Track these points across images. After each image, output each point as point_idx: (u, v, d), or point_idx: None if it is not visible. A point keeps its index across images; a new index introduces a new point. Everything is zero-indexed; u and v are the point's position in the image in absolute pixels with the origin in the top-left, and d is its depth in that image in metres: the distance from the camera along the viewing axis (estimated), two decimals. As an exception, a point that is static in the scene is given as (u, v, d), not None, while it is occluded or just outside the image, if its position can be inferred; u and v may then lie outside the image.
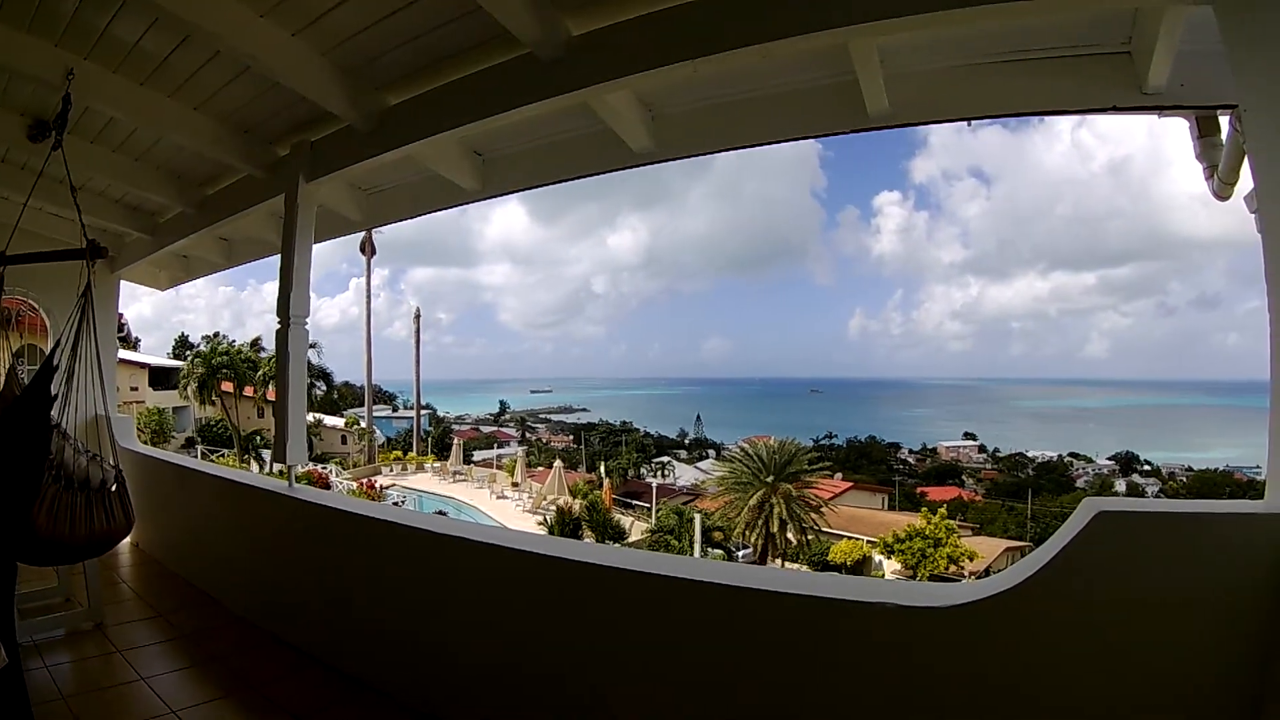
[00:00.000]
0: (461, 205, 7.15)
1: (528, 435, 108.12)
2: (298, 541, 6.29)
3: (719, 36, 4.36)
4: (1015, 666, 3.21)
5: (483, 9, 4.46)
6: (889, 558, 44.58)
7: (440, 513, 37.12)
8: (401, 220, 8.28)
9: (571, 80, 4.87)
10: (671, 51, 4.50)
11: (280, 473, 6.88)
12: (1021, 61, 4.80)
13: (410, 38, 5.18)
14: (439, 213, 7.49)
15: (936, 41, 4.83)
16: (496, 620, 4.73)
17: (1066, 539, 3.09)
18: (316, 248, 6.86)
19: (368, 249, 69.61)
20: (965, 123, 5.36)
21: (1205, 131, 5.04)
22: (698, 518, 39.20)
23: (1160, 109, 4.80)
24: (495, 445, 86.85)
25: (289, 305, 6.50)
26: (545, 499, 44.70)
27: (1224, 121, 4.87)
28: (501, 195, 7.03)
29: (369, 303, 71.73)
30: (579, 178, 6.50)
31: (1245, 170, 4.46)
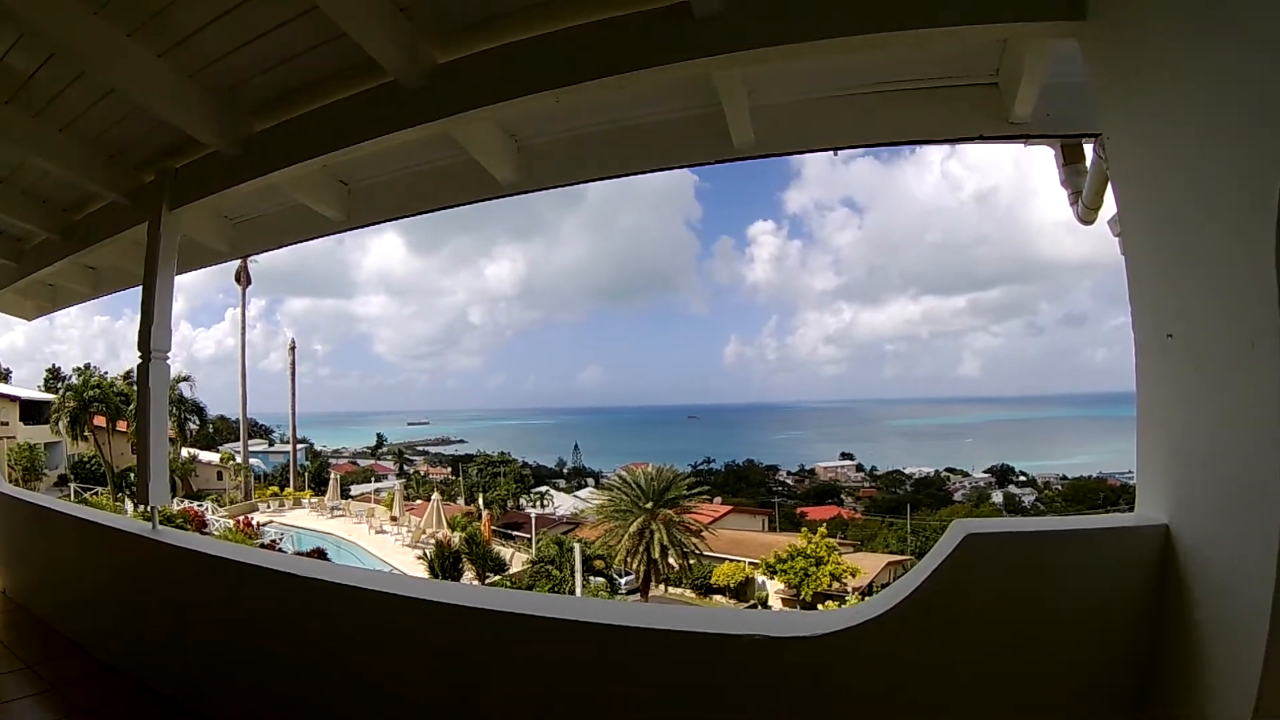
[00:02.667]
0: (327, 236, 7.00)
1: (405, 468, 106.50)
2: (163, 586, 5.99)
3: (580, 67, 4.34)
4: (890, 692, 3.21)
5: (349, 35, 4.39)
6: (772, 578, 45.10)
7: (319, 549, 36.45)
8: (268, 250, 8.10)
9: (435, 109, 4.78)
10: (533, 81, 4.46)
11: (145, 514, 6.61)
12: (889, 92, 4.90)
13: (277, 62, 5.04)
14: (316, 243, 7.37)
15: (803, 72, 4.90)
16: (366, 663, 4.53)
17: (937, 562, 3.11)
18: (191, 277, 6.70)
19: (243, 279, 67.88)
20: (833, 153, 5.46)
21: (1070, 159, 5.23)
22: (578, 547, 39.02)
23: (1026, 138, 4.96)
24: (373, 479, 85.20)
25: (150, 339, 6.21)
26: (424, 533, 44.15)
27: (1088, 149, 5.05)
28: (366, 226, 6.88)
29: (244, 334, 70.02)
30: (444, 209, 6.42)
31: (1109, 195, 4.64)
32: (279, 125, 5.67)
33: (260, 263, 72.48)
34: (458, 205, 6.27)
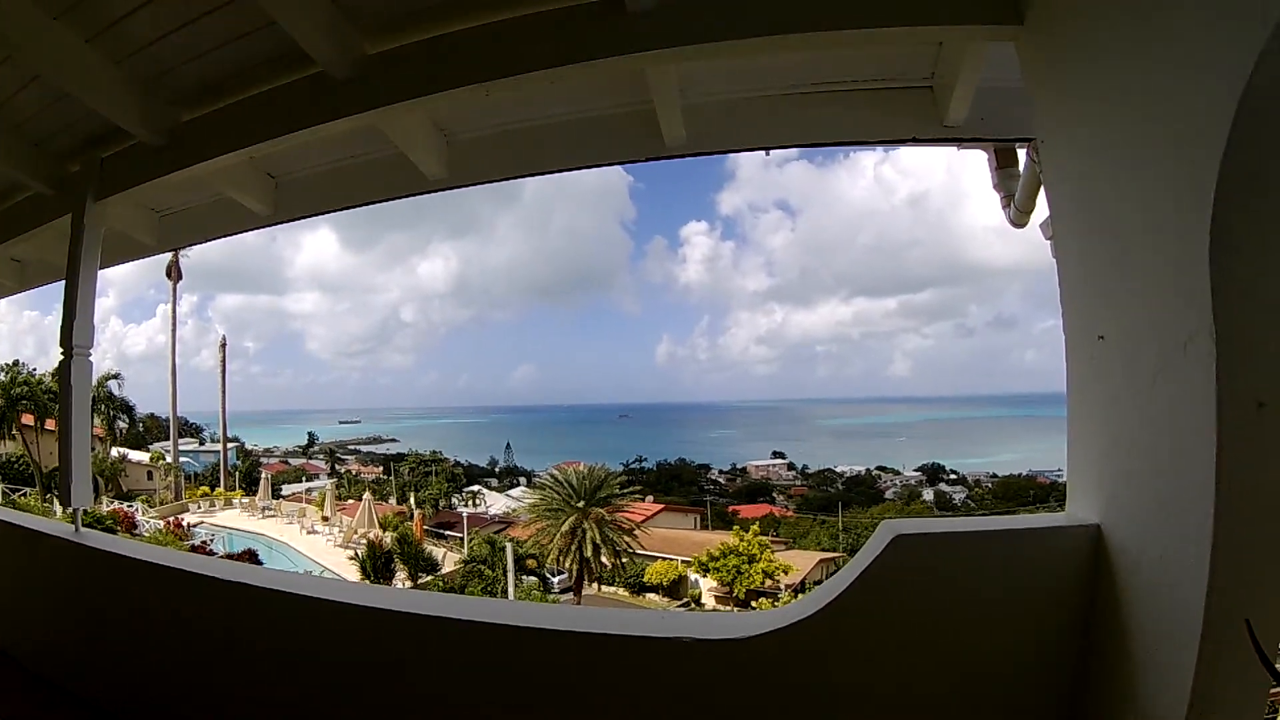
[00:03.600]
0: (254, 230, 6.87)
1: (337, 467, 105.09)
2: (85, 590, 5.83)
3: (511, 60, 4.26)
4: (820, 693, 3.20)
5: (278, 24, 4.30)
6: (705, 576, 45.31)
7: (250, 551, 35.98)
8: (195, 244, 7.98)
9: (363, 101, 4.63)
10: (463, 74, 4.38)
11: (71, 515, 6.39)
12: (823, 93, 4.89)
13: (206, 50, 4.89)
14: (249, 238, 7.25)
15: (736, 71, 4.88)
16: (290, 669, 4.40)
17: (865, 563, 3.11)
18: (122, 271, 6.54)
19: (174, 273, 66.67)
20: (766, 153, 5.46)
21: (1003, 163, 5.28)
22: (509, 546, 38.95)
23: (960, 141, 5.01)
24: (304, 478, 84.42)
25: (72, 335, 6.01)
26: (356, 533, 43.80)
27: (1021, 153, 5.11)
28: (294, 220, 6.74)
29: (174, 330, 68.91)
30: (371, 203, 6.32)
31: (1041, 199, 4.69)
32: (206, 115, 5.52)
33: (192, 257, 71.47)
34: (385, 200, 6.17)
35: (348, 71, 4.63)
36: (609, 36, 4.03)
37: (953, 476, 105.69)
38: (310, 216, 6.72)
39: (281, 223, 6.73)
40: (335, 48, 4.50)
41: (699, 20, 3.90)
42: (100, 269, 6.36)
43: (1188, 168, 2.40)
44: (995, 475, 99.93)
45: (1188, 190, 2.38)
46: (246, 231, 7.01)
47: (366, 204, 6.29)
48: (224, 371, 73.57)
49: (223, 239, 7.56)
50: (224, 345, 75.16)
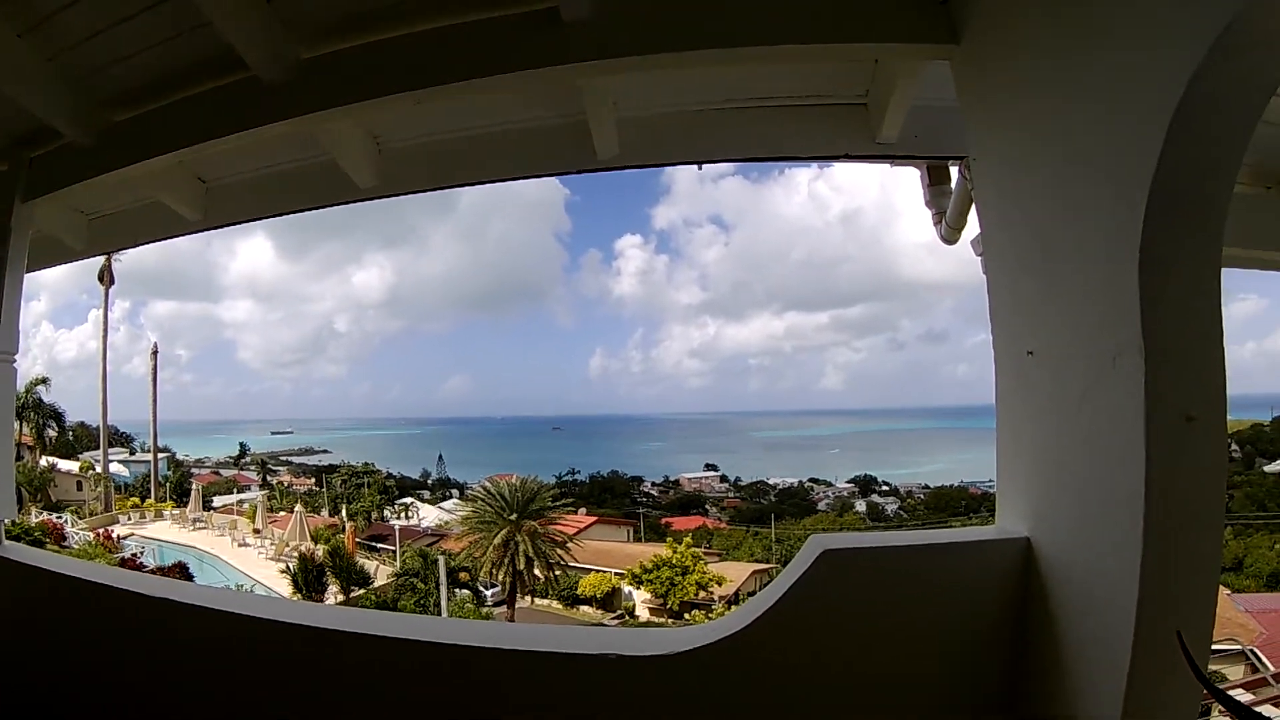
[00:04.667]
0: (184, 235, 6.76)
1: (269, 478, 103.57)
2: (11, 609, 5.63)
3: (443, 69, 4.20)
4: (749, 709, 3.16)
5: (213, 25, 4.23)
6: (639, 588, 45.30)
7: (181, 564, 35.44)
8: (125, 249, 7.83)
9: (294, 106, 4.52)
10: (394, 82, 4.31)
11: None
12: (757, 108, 4.92)
13: (139, 50, 4.77)
14: (183, 244, 7.12)
15: (670, 84, 4.88)
16: (219, 688, 4.26)
17: (793, 578, 3.09)
18: (54, 275, 6.37)
19: (106, 278, 65.33)
20: (698, 167, 5.48)
21: (935, 180, 5.35)
22: (441, 559, 38.66)
23: (893, 158, 5.06)
24: (236, 490, 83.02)
25: None
26: (288, 546, 43.29)
27: (953, 171, 5.17)
28: (224, 226, 6.62)
29: (105, 337, 67.42)
30: (302, 211, 6.19)
31: (972, 216, 4.75)
32: (138, 116, 5.39)
33: (125, 261, 69.99)
34: (317, 208, 6.07)
35: (280, 76, 4.55)
36: (543, 47, 3.99)
37: (885, 488, 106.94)
38: (241, 223, 6.62)
39: (212, 228, 6.60)
40: (269, 52, 4.42)
41: (634, 33, 3.89)
42: (27, 272, 6.22)
43: (1118, 186, 2.45)
44: (927, 486, 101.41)
45: (1118, 208, 2.43)
46: (177, 236, 6.88)
47: (298, 211, 6.19)
48: (155, 379, 72.28)
49: (156, 244, 7.43)
50: (155, 352, 73.86)
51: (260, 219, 6.50)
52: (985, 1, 3.25)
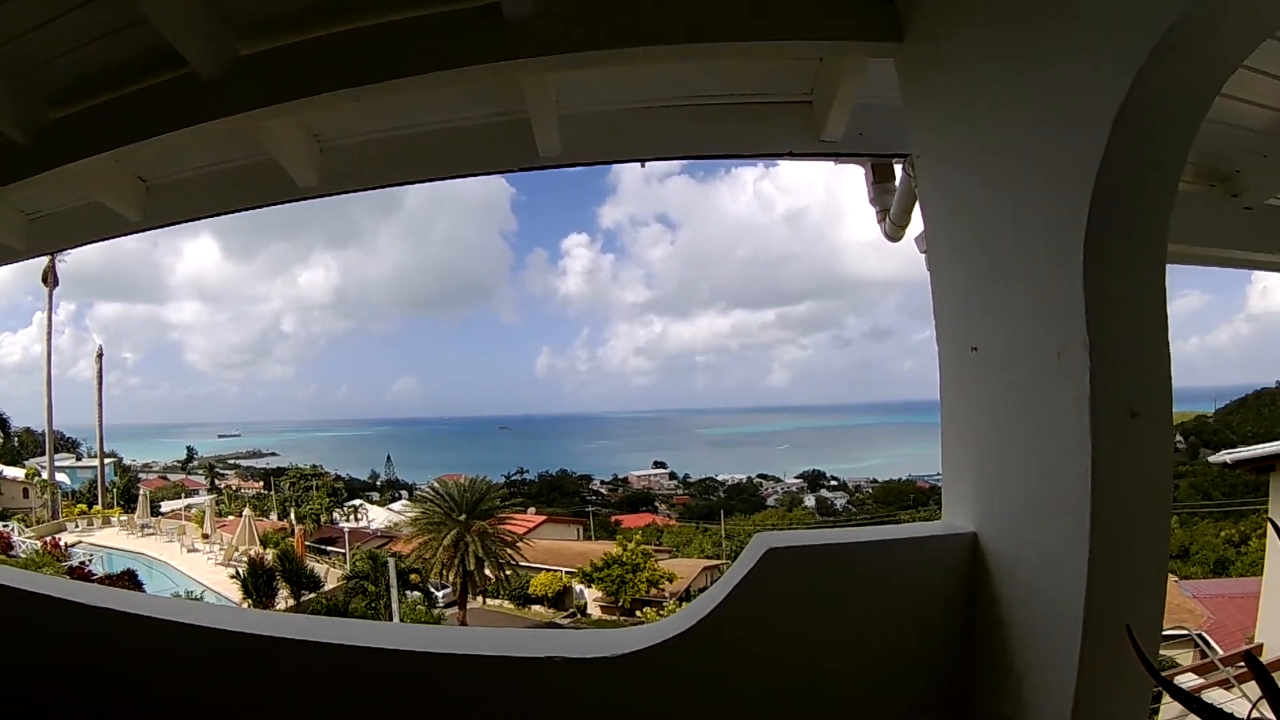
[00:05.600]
0: (125, 235, 6.65)
1: (217, 483, 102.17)
2: None
3: (383, 65, 4.13)
4: (697, 709, 3.15)
5: (150, 20, 4.15)
6: (590, 586, 45.34)
7: (129, 571, 34.98)
8: (65, 249, 7.70)
9: (232, 103, 4.43)
10: (333, 79, 4.23)
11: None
12: (701, 106, 4.91)
13: (75, 46, 4.67)
14: (129, 245, 7.00)
15: (613, 81, 4.86)
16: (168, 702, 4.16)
17: (738, 577, 3.06)
18: (-4, 277, 6.18)
19: (50, 280, 64.12)
20: (641, 164, 5.47)
21: (880, 178, 5.39)
22: (391, 561, 38.39)
23: (837, 156, 5.09)
24: (184, 494, 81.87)
25: None
26: (237, 550, 42.85)
27: (898, 169, 5.21)
28: (165, 226, 6.51)
29: (49, 340, 66.00)
30: (243, 210, 6.02)
31: (916, 213, 4.78)
32: (76, 114, 5.29)
33: (70, 262, 68.82)
34: (258, 207, 5.99)
35: (219, 73, 4.46)
36: (485, 44, 3.94)
37: (834, 482, 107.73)
38: (183, 222, 6.52)
39: (153, 228, 6.49)
40: (207, 48, 4.33)
41: (577, 29, 3.85)
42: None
43: (1062, 183, 2.47)
44: (875, 480, 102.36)
45: (1062, 205, 2.45)
46: (117, 237, 6.77)
47: (239, 210, 6.09)
48: (101, 383, 70.71)
49: (101, 244, 7.31)
50: (100, 355, 72.19)
51: (202, 218, 6.39)
52: (931, 1, 3.26)
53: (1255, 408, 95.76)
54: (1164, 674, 2.44)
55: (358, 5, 4.14)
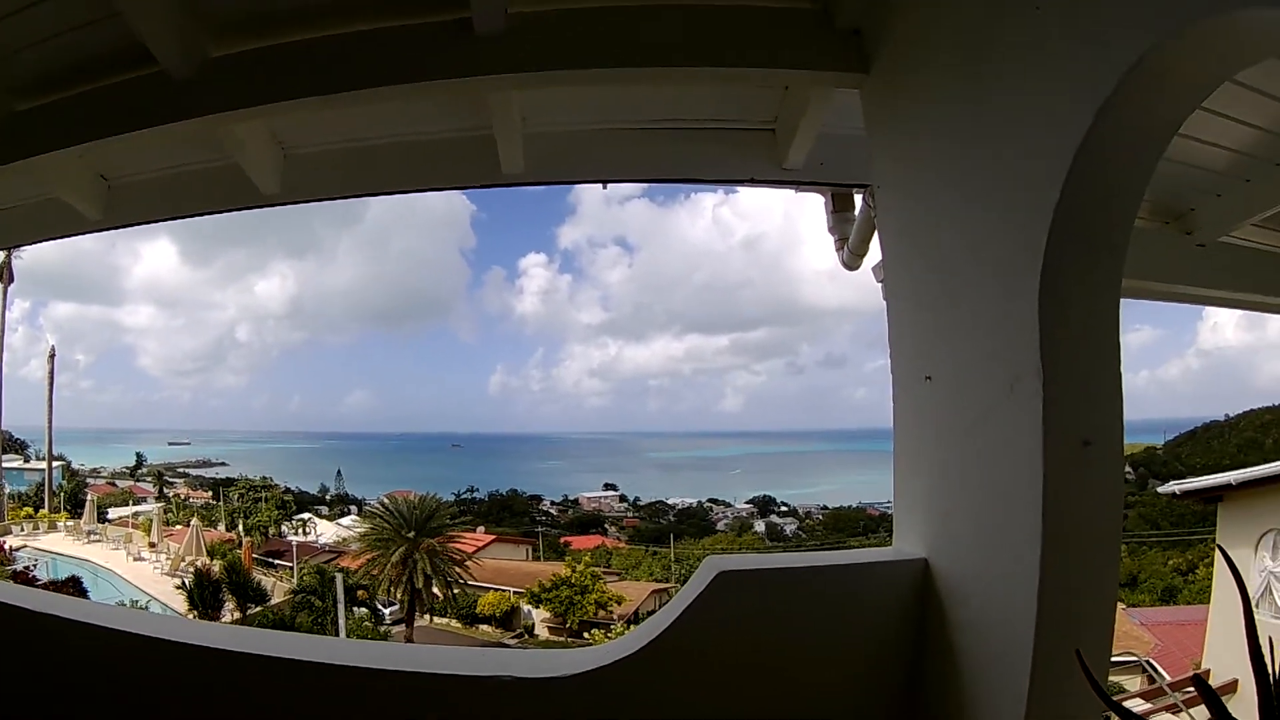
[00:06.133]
0: (85, 234, 6.57)
1: (165, 490, 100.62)
2: None
3: (352, 75, 4.12)
4: None
5: (123, 15, 4.10)
6: (538, 607, 45.10)
7: (74, 578, 34.40)
8: (22, 245, 7.58)
9: (200, 105, 4.34)
10: (302, 86, 4.21)
11: None
12: (666, 130, 4.94)
13: (46, 37, 4.63)
14: (87, 244, 6.86)
15: (580, 102, 4.88)
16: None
17: (688, 599, 3.07)
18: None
19: (5, 276, 62.76)
20: (603, 186, 5.48)
21: (839, 207, 5.46)
22: (339, 577, 37.98)
23: (798, 184, 5.14)
24: (132, 501, 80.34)
25: None
26: (183, 561, 42.18)
27: (858, 199, 5.27)
28: (125, 226, 6.43)
29: (1, 337, 64.94)
30: (204, 214, 6.01)
31: (874, 243, 4.84)
32: (41, 107, 5.24)
33: (25, 259, 67.63)
34: (219, 212, 5.90)
35: (188, 73, 4.40)
36: (455, 58, 3.94)
37: (784, 508, 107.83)
38: (141, 224, 6.42)
39: (112, 228, 6.40)
40: (178, 46, 4.26)
41: (546, 49, 3.86)
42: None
43: (1021, 217, 2.51)
44: (826, 507, 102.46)
45: (1019, 237, 2.50)
46: (77, 235, 6.68)
47: (200, 214, 6.02)
48: (51, 384, 69.35)
49: (59, 242, 7.18)
50: (53, 356, 70.59)
51: (162, 220, 6.32)
52: (897, 34, 3.32)
53: (1204, 440, 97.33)
54: (1113, 698, 2.47)
55: (330, 12, 4.10)
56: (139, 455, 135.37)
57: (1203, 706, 2.27)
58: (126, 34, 4.17)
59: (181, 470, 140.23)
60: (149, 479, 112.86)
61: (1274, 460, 12.72)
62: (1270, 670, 2.21)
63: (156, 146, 5.22)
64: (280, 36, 4.28)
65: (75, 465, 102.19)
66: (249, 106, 4.40)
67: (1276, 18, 1.80)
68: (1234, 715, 2.18)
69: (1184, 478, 16.36)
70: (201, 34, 4.31)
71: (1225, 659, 12.15)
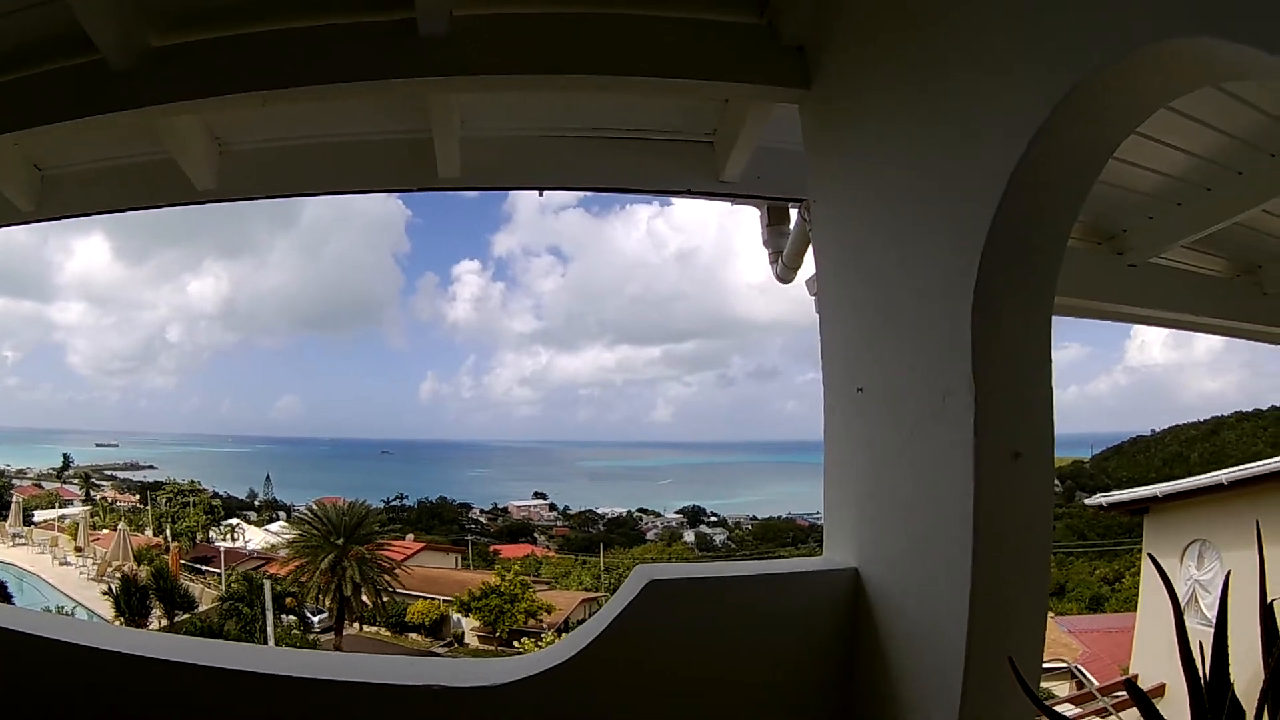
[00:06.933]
0: (14, 225, 6.45)
1: (93, 494, 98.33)
2: None
3: (292, 72, 4.03)
4: None
5: (63, 0, 4.01)
6: (467, 615, 44.82)
7: (-1, 582, 33.75)
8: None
9: (137, 96, 4.20)
10: (241, 80, 4.09)
11: None
12: (604, 139, 4.93)
13: None
14: (19, 237, 6.62)
15: (520, 108, 4.88)
16: None
17: (619, 608, 3.08)
18: None
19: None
20: (539, 193, 5.46)
21: (775, 220, 5.50)
22: (267, 584, 37.47)
23: (735, 196, 5.17)
24: (58, 504, 78.65)
25: None
26: (110, 566, 41.40)
27: (793, 213, 5.31)
28: (58, 219, 6.31)
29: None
30: (139, 209, 5.76)
31: (809, 256, 4.89)
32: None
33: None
34: (153, 207, 5.76)
35: (128, 63, 4.30)
36: (397, 59, 3.89)
37: (713, 518, 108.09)
38: (75, 217, 6.29)
39: (45, 220, 6.27)
40: (118, 35, 4.14)
41: (490, 52, 3.85)
42: None
43: (956, 232, 2.57)
44: (755, 517, 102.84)
45: (954, 253, 2.55)
46: (7, 226, 6.53)
47: (134, 209, 5.86)
48: (-21, 381, 67.96)
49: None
50: (-20, 352, 69.47)
51: (96, 214, 6.16)
52: (840, 53, 3.36)
53: (1130, 454, 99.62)
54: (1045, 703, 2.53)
55: (275, 8, 4.01)
56: (66, 457, 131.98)
57: (1132, 710, 2.34)
58: (66, 19, 4.04)
59: (109, 473, 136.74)
60: (76, 481, 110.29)
61: (1199, 474, 13.05)
62: (1201, 673, 2.28)
63: (93, 137, 5.09)
64: (223, 29, 4.17)
65: (1, 466, 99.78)
66: (188, 100, 4.28)
67: (1212, 46, 1.86)
68: (1165, 717, 2.24)
69: (1111, 490, 16.71)
70: (143, 23, 4.18)
71: (1152, 664, 12.46)
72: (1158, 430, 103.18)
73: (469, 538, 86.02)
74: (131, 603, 36.49)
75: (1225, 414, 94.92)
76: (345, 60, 4.00)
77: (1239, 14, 1.75)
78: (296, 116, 4.97)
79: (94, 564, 43.61)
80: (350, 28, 3.98)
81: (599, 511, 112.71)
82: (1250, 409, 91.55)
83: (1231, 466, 11.92)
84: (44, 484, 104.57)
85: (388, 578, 42.86)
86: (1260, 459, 11.77)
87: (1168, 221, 5.58)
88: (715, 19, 3.70)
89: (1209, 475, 12.35)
